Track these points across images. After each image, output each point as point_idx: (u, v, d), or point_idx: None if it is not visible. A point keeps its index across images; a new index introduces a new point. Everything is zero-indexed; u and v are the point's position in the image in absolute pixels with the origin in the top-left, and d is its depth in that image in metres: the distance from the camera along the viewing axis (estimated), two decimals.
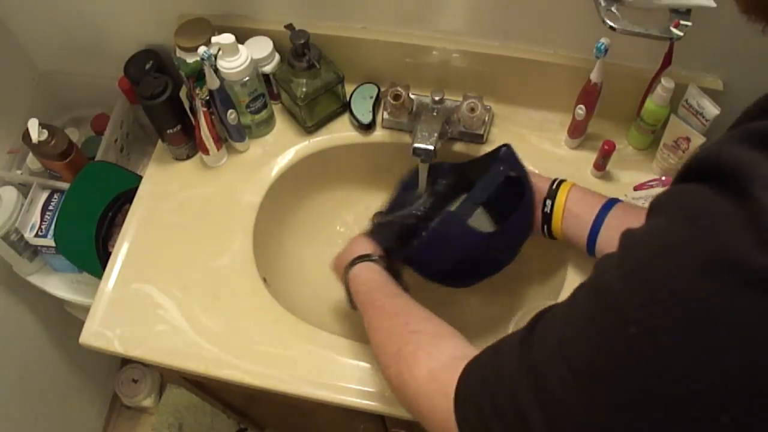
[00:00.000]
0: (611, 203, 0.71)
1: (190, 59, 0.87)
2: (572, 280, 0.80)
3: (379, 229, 0.81)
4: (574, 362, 0.36)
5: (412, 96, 0.88)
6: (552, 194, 0.74)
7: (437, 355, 0.54)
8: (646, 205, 0.48)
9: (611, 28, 0.65)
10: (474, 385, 0.45)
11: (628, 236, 0.36)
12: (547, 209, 0.74)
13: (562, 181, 0.75)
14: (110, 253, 0.86)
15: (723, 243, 0.30)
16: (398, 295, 0.67)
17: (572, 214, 0.73)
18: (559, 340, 0.38)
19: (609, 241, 0.69)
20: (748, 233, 0.29)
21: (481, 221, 0.83)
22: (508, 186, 0.76)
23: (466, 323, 0.90)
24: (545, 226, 0.75)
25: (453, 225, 0.74)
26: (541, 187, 0.75)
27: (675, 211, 0.34)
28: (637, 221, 0.36)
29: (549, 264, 0.87)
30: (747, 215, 0.29)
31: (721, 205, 0.31)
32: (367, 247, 0.75)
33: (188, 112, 0.89)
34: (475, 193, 0.76)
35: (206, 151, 0.88)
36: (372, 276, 0.71)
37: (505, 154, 0.78)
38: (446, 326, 0.59)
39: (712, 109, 0.76)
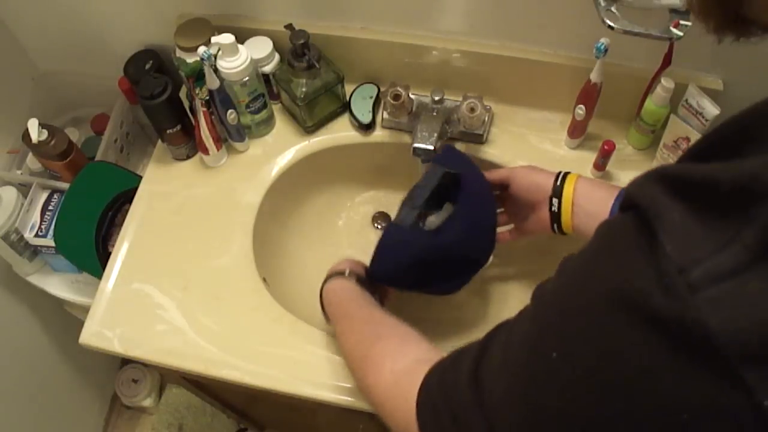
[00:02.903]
0: (622, 194, 0.70)
1: (190, 59, 0.87)
2: None
3: None
4: (510, 381, 0.39)
5: (412, 96, 0.88)
6: (557, 191, 0.72)
7: (401, 359, 0.55)
8: None
9: (611, 28, 0.65)
10: (434, 392, 0.47)
11: (564, 262, 0.39)
12: (555, 207, 0.72)
13: (566, 175, 0.73)
14: (110, 253, 0.86)
15: (630, 281, 0.31)
16: (368, 305, 0.67)
17: (583, 210, 0.70)
18: (501, 358, 0.41)
19: None
20: (653, 273, 0.30)
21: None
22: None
23: (466, 324, 0.90)
24: (555, 224, 0.73)
25: (396, 234, 0.72)
26: (543, 184, 0.73)
27: (601, 241, 0.36)
28: None
29: (550, 263, 0.87)
30: (654, 256, 0.30)
31: (636, 241, 0.32)
32: (344, 265, 0.75)
33: (188, 112, 0.89)
34: (412, 198, 0.73)
35: (206, 151, 0.88)
36: (344, 288, 0.71)
37: (442, 154, 0.77)
38: (413, 332, 0.61)
39: (712, 109, 0.76)
